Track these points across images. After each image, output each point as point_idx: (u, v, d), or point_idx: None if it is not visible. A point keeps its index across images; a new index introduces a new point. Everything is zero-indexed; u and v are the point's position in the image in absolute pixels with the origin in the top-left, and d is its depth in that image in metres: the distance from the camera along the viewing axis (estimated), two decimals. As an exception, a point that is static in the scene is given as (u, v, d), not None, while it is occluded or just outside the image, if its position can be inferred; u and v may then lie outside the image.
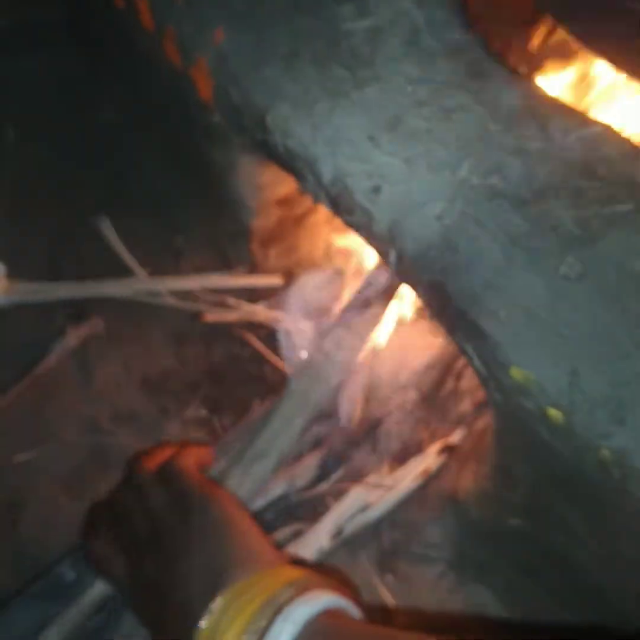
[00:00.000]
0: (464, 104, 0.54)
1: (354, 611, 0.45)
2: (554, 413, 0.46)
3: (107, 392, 0.78)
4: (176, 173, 0.82)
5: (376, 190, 0.51)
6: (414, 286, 0.52)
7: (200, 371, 0.80)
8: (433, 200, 0.50)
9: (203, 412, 0.78)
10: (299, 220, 0.78)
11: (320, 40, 0.56)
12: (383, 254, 0.52)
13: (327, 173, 0.52)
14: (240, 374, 0.80)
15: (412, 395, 0.78)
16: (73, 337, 0.78)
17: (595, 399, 0.45)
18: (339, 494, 0.71)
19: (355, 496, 0.71)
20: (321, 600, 0.43)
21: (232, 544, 0.49)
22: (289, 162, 0.54)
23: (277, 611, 0.42)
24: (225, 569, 0.47)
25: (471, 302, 0.48)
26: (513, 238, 0.49)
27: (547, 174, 0.51)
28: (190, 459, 0.56)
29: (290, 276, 0.83)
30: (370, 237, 0.52)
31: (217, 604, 0.45)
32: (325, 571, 0.49)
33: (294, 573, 0.46)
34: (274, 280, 0.83)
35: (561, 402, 0.46)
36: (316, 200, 0.54)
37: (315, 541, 0.69)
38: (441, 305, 0.50)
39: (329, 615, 0.43)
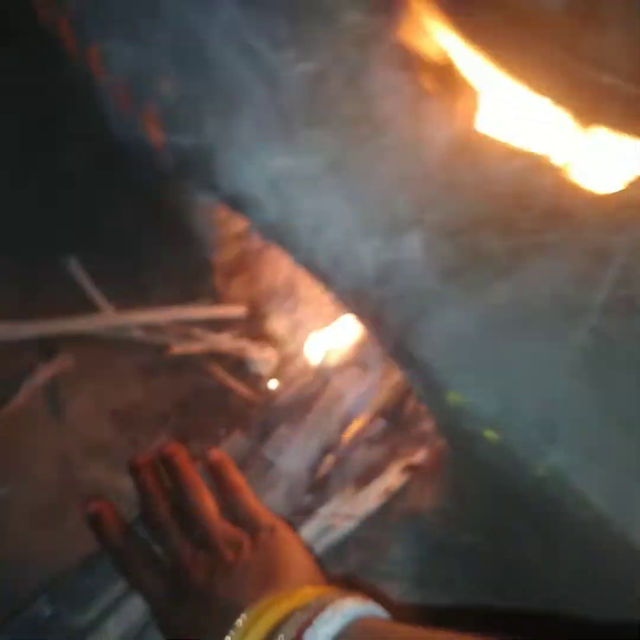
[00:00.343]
0: (402, 142, 0.57)
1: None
2: (490, 434, 0.49)
3: (78, 427, 0.80)
4: (141, 211, 0.85)
5: (318, 229, 0.54)
6: (358, 318, 0.54)
7: (168, 402, 0.82)
8: (371, 237, 0.53)
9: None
10: (259, 253, 0.81)
11: (263, 85, 0.59)
12: (327, 288, 0.55)
13: (271, 214, 0.55)
14: (207, 404, 0.82)
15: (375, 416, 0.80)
16: (43, 374, 0.80)
17: (528, 419, 0.48)
18: (305, 515, 0.73)
19: (321, 518, 0.73)
20: (366, 602, 0.46)
21: (289, 561, 0.53)
22: (236, 204, 0.57)
23: (323, 606, 0.44)
24: (276, 581, 0.50)
25: (408, 332, 0.51)
26: (446, 270, 0.52)
27: (479, 206, 0.54)
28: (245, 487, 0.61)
29: (253, 306, 0.85)
30: (315, 273, 0.55)
31: (260, 603, 0.47)
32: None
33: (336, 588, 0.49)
34: (238, 311, 0.85)
35: (496, 424, 0.49)
36: (265, 238, 0.57)
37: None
38: (382, 336, 0.52)
39: (371, 618, 0.46)
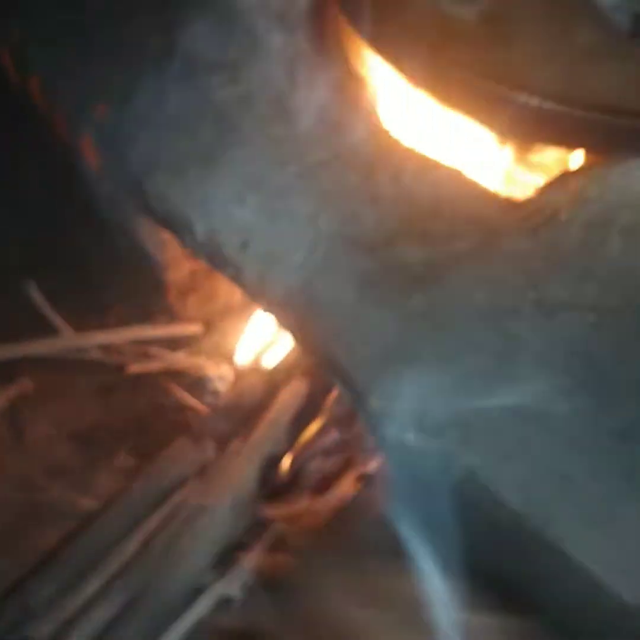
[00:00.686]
0: (324, 159, 0.61)
1: None
2: (410, 438, 0.52)
3: (38, 448, 0.83)
4: (96, 234, 0.88)
5: (244, 245, 0.57)
6: (286, 329, 0.58)
7: (126, 421, 0.86)
8: (295, 251, 0.57)
9: (130, 461, 0.83)
10: (211, 270, 0.84)
11: (192, 108, 0.63)
12: (256, 301, 0.58)
13: (200, 232, 0.58)
14: (165, 422, 0.85)
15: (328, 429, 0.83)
16: (2, 398, 0.84)
17: (443, 423, 0.51)
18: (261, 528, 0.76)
19: (277, 530, 0.76)
20: None
21: None
22: (168, 224, 0.61)
23: None
24: None
25: (331, 341, 0.54)
26: (365, 281, 0.55)
27: (397, 218, 0.58)
28: None
29: (209, 323, 0.89)
30: (243, 287, 0.58)
31: None
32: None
33: None
34: (194, 329, 0.88)
35: (415, 429, 0.51)
36: (195, 256, 0.60)
37: (240, 577, 0.74)
38: (308, 345, 0.56)
39: None
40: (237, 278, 0.59)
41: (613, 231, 0.54)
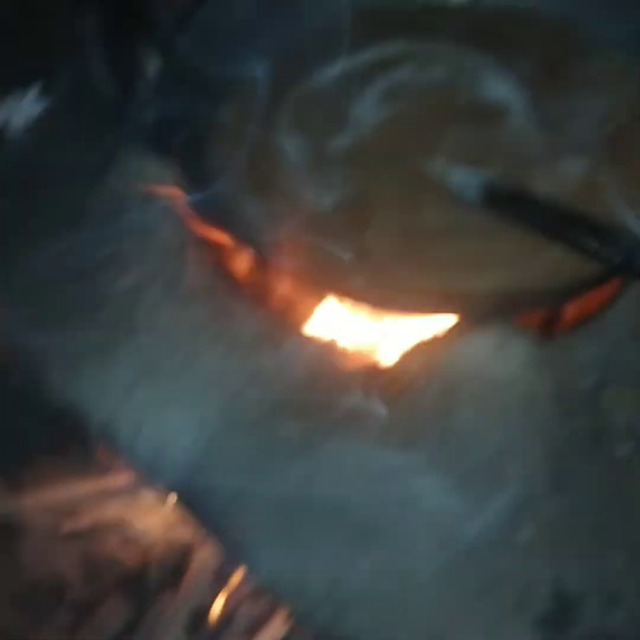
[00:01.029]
0: (212, 342, 0.67)
1: None
2: (295, 610, 0.56)
3: (-21, 615, 0.86)
4: (20, 394, 0.93)
5: (136, 432, 0.62)
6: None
7: (64, 577, 0.89)
8: (183, 436, 0.62)
9: (71, 618, 0.86)
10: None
11: (86, 304, 0.69)
12: (151, 482, 0.63)
13: (96, 422, 0.63)
14: (100, 576, 0.88)
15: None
16: (-63, 566, 0.87)
17: (321, 596, 0.56)
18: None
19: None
20: None
21: None
22: (68, 413, 0.66)
23: None
24: None
25: (216, 522, 0.59)
26: (247, 460, 0.60)
27: (278, 393, 0.64)
28: None
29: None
30: (138, 473, 0.63)
31: None
32: None
33: None
34: (124, 481, 0.92)
35: (293, 598, 0.56)
36: (95, 442, 0.65)
37: None
38: (198, 523, 0.60)
39: None
40: (132, 463, 0.63)
41: (461, 400, 0.60)
